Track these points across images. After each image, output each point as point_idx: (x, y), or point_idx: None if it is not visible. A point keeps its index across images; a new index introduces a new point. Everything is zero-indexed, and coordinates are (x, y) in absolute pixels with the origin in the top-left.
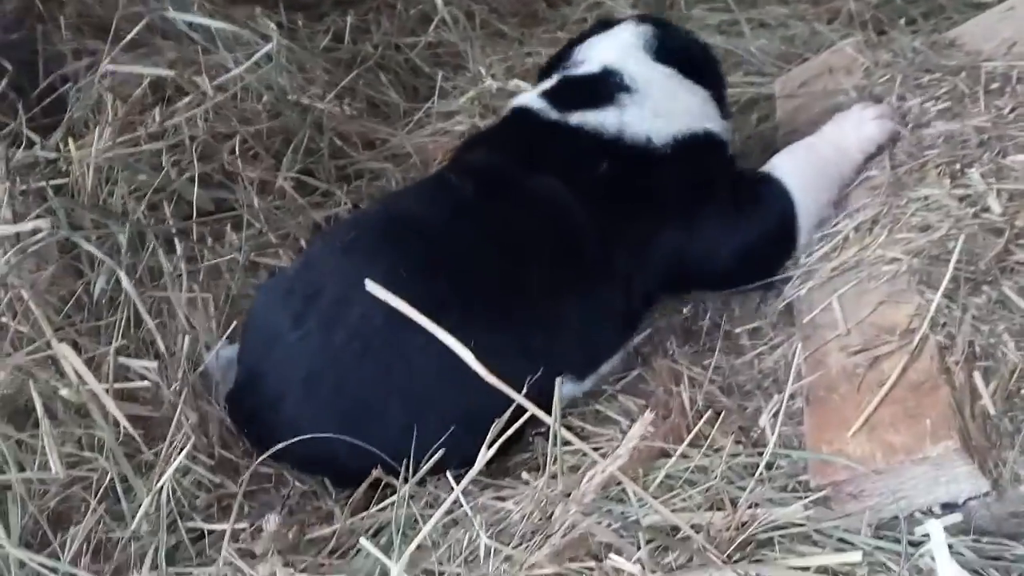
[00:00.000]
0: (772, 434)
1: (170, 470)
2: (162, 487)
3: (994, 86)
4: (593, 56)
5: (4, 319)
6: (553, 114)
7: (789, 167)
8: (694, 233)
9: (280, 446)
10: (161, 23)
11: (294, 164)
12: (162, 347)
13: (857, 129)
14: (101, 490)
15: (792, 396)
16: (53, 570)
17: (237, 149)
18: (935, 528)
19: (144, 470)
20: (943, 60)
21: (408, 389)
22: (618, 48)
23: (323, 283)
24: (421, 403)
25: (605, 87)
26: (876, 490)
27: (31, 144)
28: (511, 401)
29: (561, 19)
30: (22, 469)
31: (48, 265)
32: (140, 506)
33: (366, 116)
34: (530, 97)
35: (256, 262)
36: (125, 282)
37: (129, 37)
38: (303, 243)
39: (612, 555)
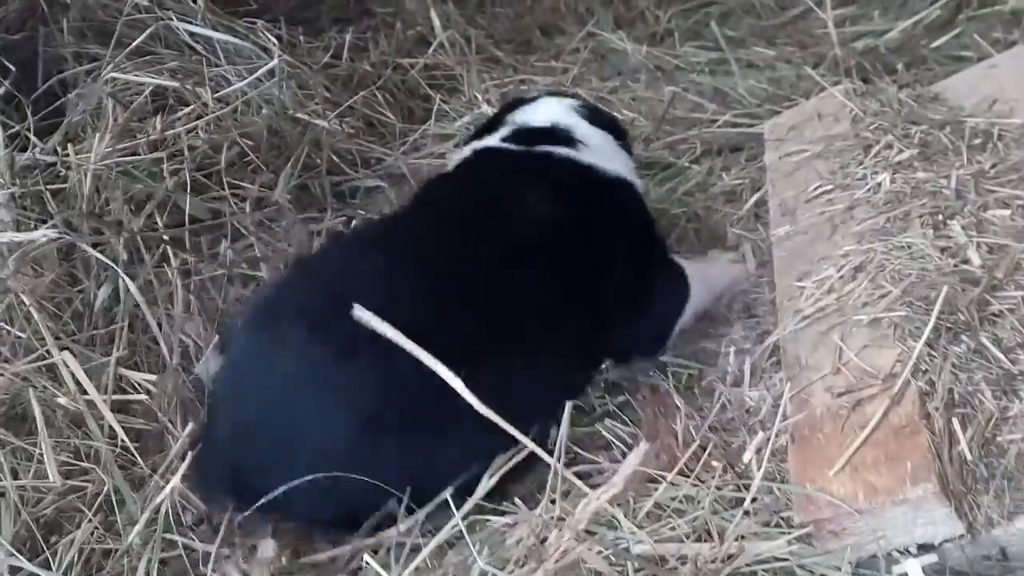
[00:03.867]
0: (758, 469)
1: (168, 488)
2: (160, 505)
3: (976, 141)
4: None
5: (3, 325)
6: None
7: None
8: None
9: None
10: (164, 32)
11: (291, 179)
12: (167, 356)
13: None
14: (97, 502)
15: (776, 434)
16: None
17: (236, 162)
18: (913, 566)
19: (138, 484)
20: (928, 113)
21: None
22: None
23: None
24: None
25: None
26: (857, 528)
27: (25, 147)
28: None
29: (555, 48)
30: (16, 476)
31: (45, 272)
32: (134, 519)
33: (363, 135)
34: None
35: (250, 275)
36: (133, 290)
37: (135, 44)
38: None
39: None
